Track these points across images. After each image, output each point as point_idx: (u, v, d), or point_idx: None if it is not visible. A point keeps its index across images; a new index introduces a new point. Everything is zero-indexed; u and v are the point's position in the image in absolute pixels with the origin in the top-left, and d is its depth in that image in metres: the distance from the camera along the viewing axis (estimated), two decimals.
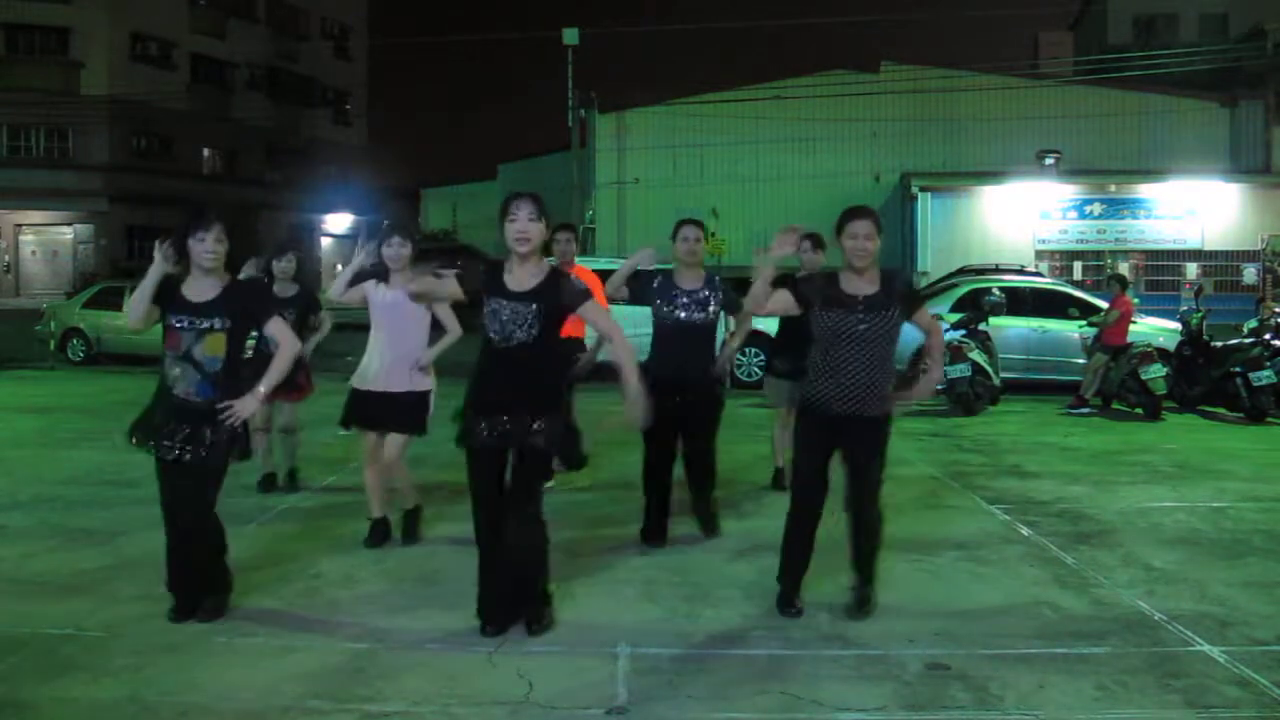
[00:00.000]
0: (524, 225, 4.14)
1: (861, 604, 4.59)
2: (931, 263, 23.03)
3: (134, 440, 4.45)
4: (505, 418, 4.16)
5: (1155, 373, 10.87)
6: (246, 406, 4.30)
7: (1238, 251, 23.24)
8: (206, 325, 4.24)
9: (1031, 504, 6.80)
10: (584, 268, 6.85)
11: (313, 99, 44.14)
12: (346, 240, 43.42)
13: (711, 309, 5.63)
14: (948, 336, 11.24)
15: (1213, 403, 11.34)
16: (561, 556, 5.42)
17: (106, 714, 3.58)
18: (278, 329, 4.41)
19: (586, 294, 4.22)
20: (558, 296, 4.16)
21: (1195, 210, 23.51)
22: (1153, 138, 25.95)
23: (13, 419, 10.28)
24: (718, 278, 5.77)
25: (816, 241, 6.68)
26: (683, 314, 5.60)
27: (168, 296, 4.30)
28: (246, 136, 40.19)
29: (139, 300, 4.33)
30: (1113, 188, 23.93)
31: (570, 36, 27.99)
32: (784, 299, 4.50)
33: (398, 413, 5.51)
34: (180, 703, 3.65)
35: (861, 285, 4.43)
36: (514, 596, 4.32)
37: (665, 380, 5.28)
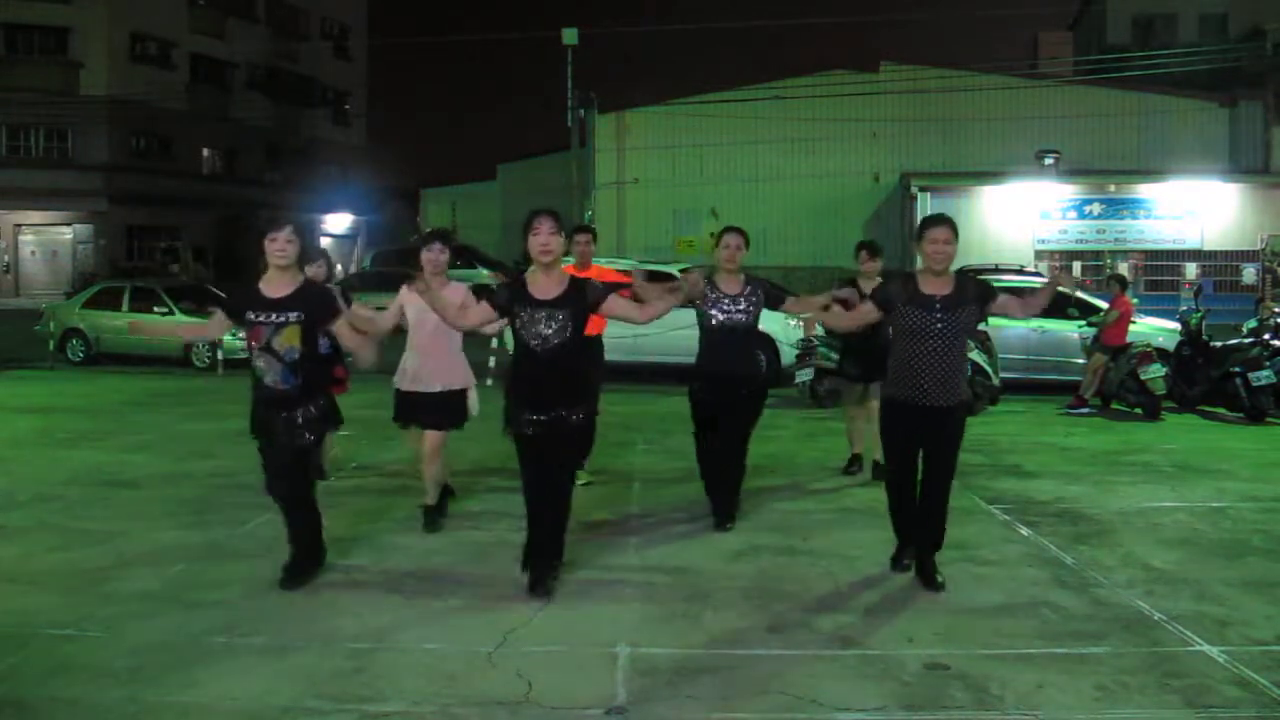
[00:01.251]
0: (546, 238, 4.63)
1: (932, 574, 5.00)
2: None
3: (255, 436, 4.90)
4: (551, 412, 4.68)
5: (1154, 373, 10.88)
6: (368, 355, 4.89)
7: (1237, 251, 23.24)
8: (283, 319, 4.64)
9: (1031, 504, 6.81)
10: (604, 267, 7.10)
11: (312, 99, 44.13)
12: (346, 240, 43.44)
13: (751, 309, 5.97)
14: None
15: (1212, 403, 11.34)
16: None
17: (106, 714, 3.58)
18: (344, 332, 4.87)
19: (607, 291, 4.77)
20: (583, 299, 4.70)
21: (1195, 210, 23.51)
22: (1152, 138, 25.94)
23: (13, 419, 10.28)
24: (758, 279, 6.09)
25: (873, 250, 7.32)
26: (723, 316, 5.95)
27: (246, 298, 4.74)
28: (246, 136, 40.18)
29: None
30: (1112, 188, 23.94)
31: (570, 36, 27.98)
32: (868, 311, 5.09)
33: (436, 410, 5.86)
34: (180, 703, 3.66)
35: (939, 286, 4.85)
36: (547, 549, 4.90)
37: (713, 376, 5.94)
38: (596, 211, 27.21)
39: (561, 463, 4.86)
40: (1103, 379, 11.40)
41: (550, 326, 4.62)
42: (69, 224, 35.37)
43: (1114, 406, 11.46)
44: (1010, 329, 12.60)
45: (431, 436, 5.88)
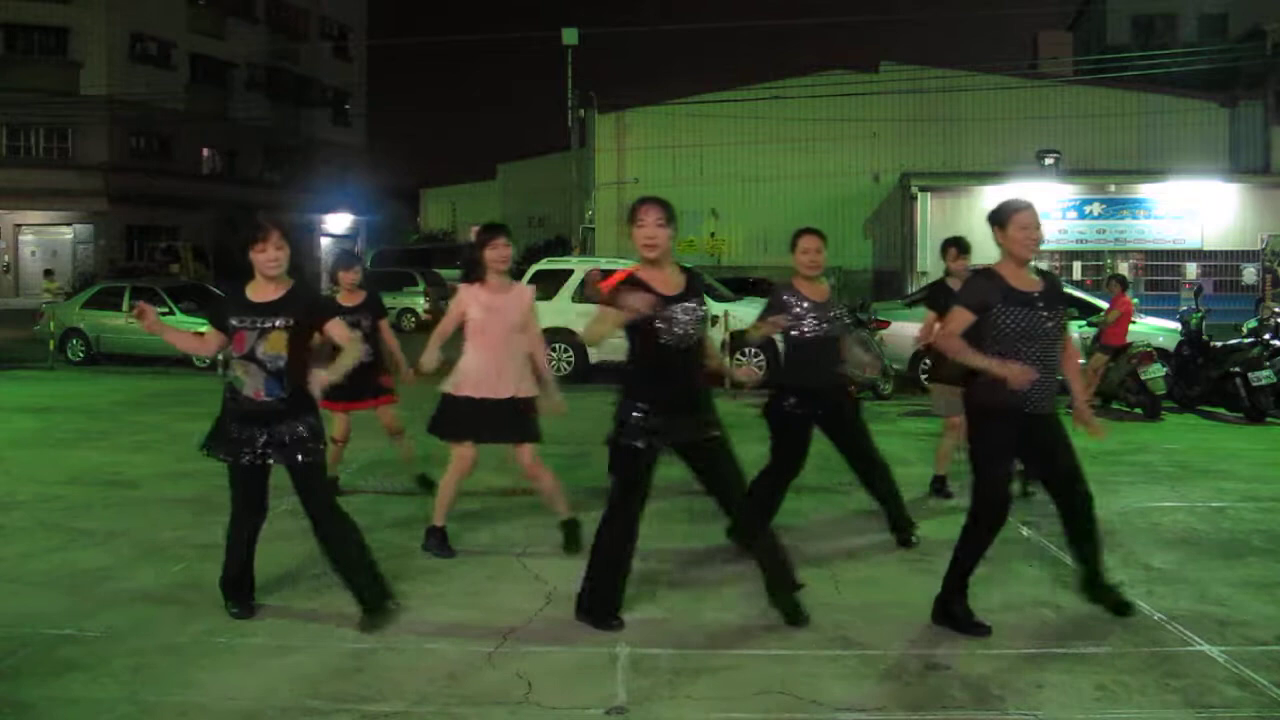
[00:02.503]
0: (651, 230, 4.25)
1: (1114, 595, 4.56)
2: (931, 263, 23.02)
3: (207, 451, 4.46)
4: (686, 416, 4.31)
5: (1155, 373, 10.87)
6: (318, 380, 4.40)
7: (1237, 251, 23.23)
8: (268, 324, 4.29)
9: (1031, 504, 6.80)
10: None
11: (312, 99, 44.13)
12: (346, 240, 43.42)
13: (836, 323, 5.56)
14: None
15: (1212, 403, 11.33)
16: (561, 557, 5.44)
17: (106, 714, 3.58)
18: (336, 330, 4.50)
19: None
20: (700, 293, 4.39)
21: (1195, 210, 23.49)
22: (1152, 138, 25.93)
23: (13, 419, 10.27)
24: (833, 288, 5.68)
25: (962, 247, 6.74)
26: (817, 325, 5.49)
27: (232, 305, 4.38)
28: (246, 136, 40.18)
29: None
30: (1112, 188, 23.92)
31: (570, 36, 28.00)
32: (963, 318, 4.37)
33: (506, 420, 5.37)
34: (180, 703, 3.66)
35: (1029, 281, 4.36)
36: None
37: (802, 391, 5.46)
38: (596, 212, 27.21)
39: (726, 473, 4.44)
40: (1103, 379, 11.40)
41: (690, 323, 4.25)
42: (69, 224, 35.39)
43: (1114, 406, 11.46)
44: None
45: (526, 449, 5.43)
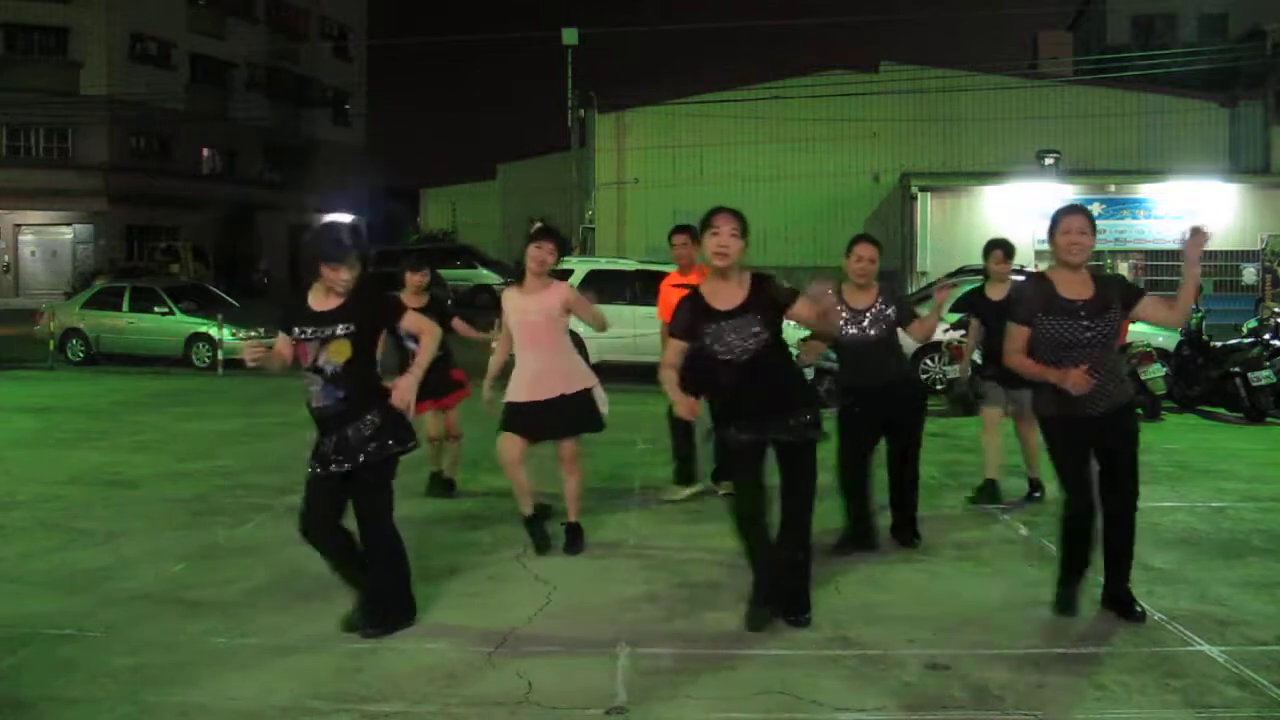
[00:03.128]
0: (725, 240, 4.31)
1: (1131, 604, 4.52)
2: (931, 263, 23.02)
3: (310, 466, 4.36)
4: (767, 421, 4.36)
5: (1155, 373, 10.87)
6: (404, 389, 4.28)
7: (1237, 251, 23.24)
8: (329, 332, 4.23)
9: (1032, 504, 6.80)
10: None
11: (312, 99, 44.15)
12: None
13: (885, 324, 5.57)
14: (947, 337, 11.25)
15: (1212, 403, 11.34)
16: (561, 557, 5.44)
17: (106, 714, 3.58)
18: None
19: (795, 293, 4.42)
20: (774, 301, 4.37)
21: (1195, 210, 23.48)
22: (1152, 138, 25.94)
23: (13, 419, 10.28)
24: (891, 291, 5.70)
25: (1008, 251, 6.71)
26: (854, 330, 5.55)
27: (294, 315, 4.31)
28: (246, 136, 40.18)
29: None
30: (1112, 188, 23.93)
31: (570, 36, 28.02)
32: (1021, 335, 4.40)
33: (562, 417, 5.41)
34: (180, 703, 3.66)
35: (1076, 288, 4.35)
36: (793, 581, 4.48)
37: (859, 391, 5.56)
38: (596, 211, 27.21)
39: (798, 476, 4.56)
40: None
41: (741, 336, 4.28)
42: (69, 224, 35.39)
43: None
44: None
45: (567, 444, 5.49)
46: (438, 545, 5.68)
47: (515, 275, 5.60)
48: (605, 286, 12.50)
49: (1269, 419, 10.65)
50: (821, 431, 4.50)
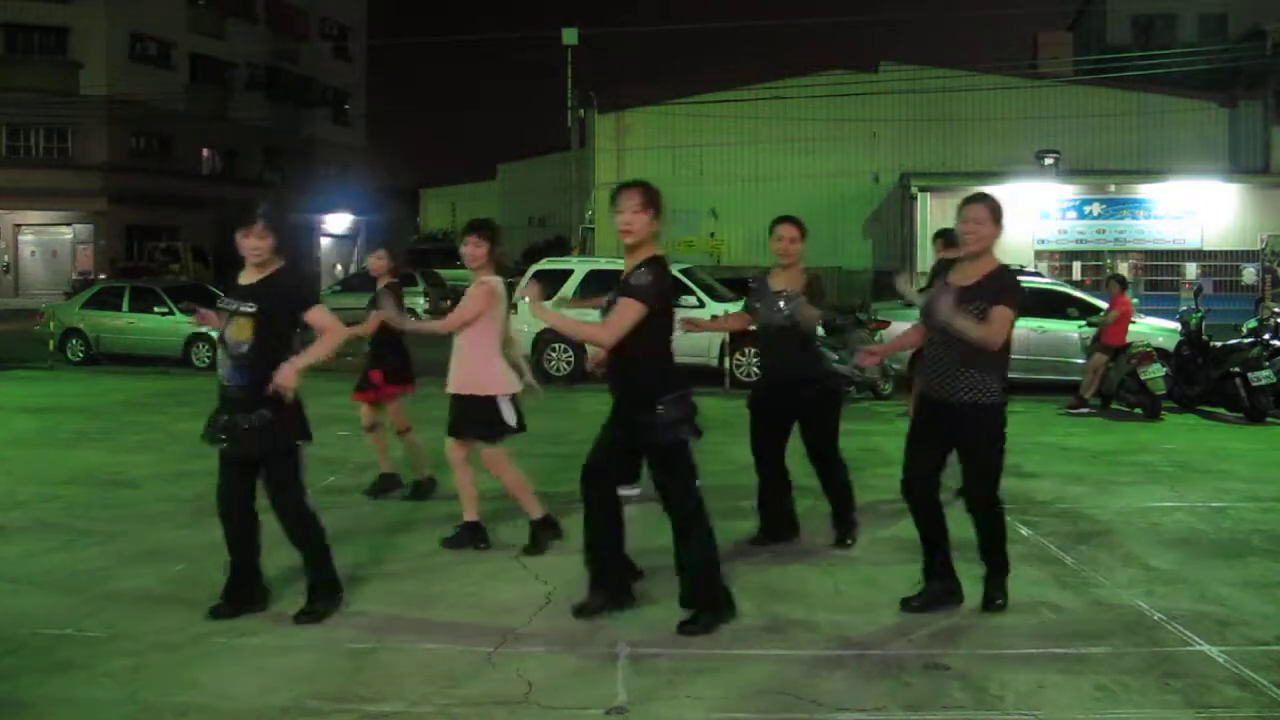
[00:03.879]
0: (628, 217, 4.29)
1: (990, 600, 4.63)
2: (931, 263, 23.00)
3: (203, 436, 4.52)
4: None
5: (1154, 373, 10.87)
6: (283, 377, 4.22)
7: (1237, 251, 23.22)
8: (235, 307, 4.26)
9: (1031, 504, 6.80)
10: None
11: (312, 99, 44.13)
12: (346, 240, 43.42)
13: (793, 312, 5.49)
14: None
15: (1212, 403, 11.33)
16: (561, 557, 5.44)
17: (106, 714, 3.58)
18: (318, 317, 4.39)
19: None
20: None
21: (1195, 210, 23.48)
22: (1152, 138, 25.91)
23: (13, 419, 10.27)
24: (816, 278, 5.62)
25: (948, 239, 6.82)
26: (768, 312, 5.55)
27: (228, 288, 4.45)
28: (245, 136, 40.17)
29: None
30: (1112, 188, 23.91)
31: (570, 36, 27.99)
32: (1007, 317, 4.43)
33: (462, 417, 5.46)
34: (180, 703, 3.66)
35: (966, 275, 4.54)
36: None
37: (766, 378, 5.77)
38: (596, 212, 27.21)
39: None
40: (1103, 379, 11.40)
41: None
42: (69, 224, 35.39)
43: (1114, 406, 11.46)
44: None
45: (447, 445, 5.55)
46: (437, 545, 5.68)
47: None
48: (605, 286, 12.48)
49: (1269, 419, 10.65)
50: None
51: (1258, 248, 22.91)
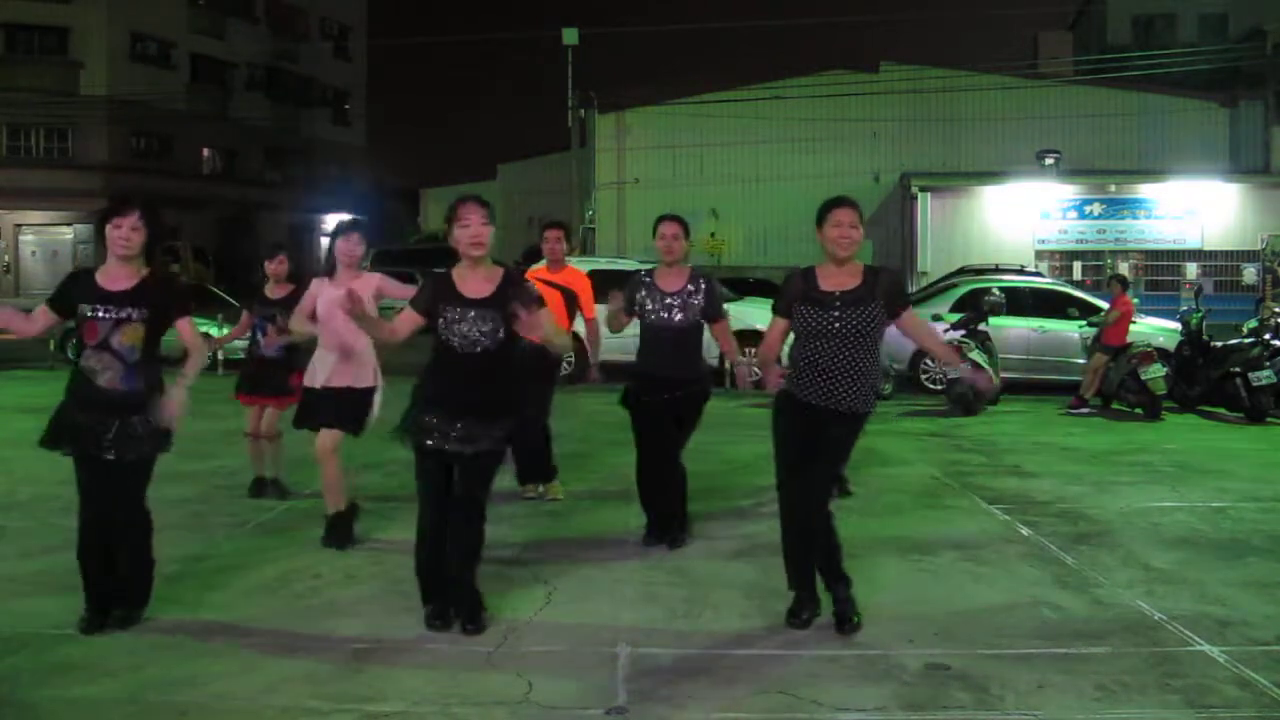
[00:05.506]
0: (477, 229, 4.22)
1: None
2: (931, 263, 23.01)
3: (47, 444, 4.35)
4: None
5: (1155, 373, 10.88)
6: (174, 399, 4.18)
7: (1237, 251, 23.23)
8: (124, 315, 4.14)
9: (1031, 504, 6.80)
10: (575, 268, 6.91)
11: (312, 99, 44.11)
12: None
13: (691, 313, 5.53)
14: (948, 337, 11.27)
15: (1212, 403, 11.34)
16: (561, 557, 5.44)
17: (106, 714, 3.58)
18: (186, 329, 4.33)
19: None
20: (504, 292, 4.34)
21: (1195, 210, 23.49)
22: (1152, 138, 25.92)
23: (13, 419, 10.27)
24: (704, 280, 5.63)
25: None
26: (660, 315, 5.54)
27: (80, 288, 4.21)
28: (246, 136, 40.16)
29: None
30: (1112, 188, 23.91)
31: (570, 36, 27.99)
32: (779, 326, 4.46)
33: (339, 409, 5.46)
34: (180, 703, 3.66)
35: (841, 280, 4.30)
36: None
37: (651, 379, 5.49)
38: (597, 212, 27.21)
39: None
40: (1103, 379, 11.40)
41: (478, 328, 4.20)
42: (69, 224, 35.37)
43: (1114, 406, 11.46)
44: (1010, 329, 12.61)
45: (331, 436, 5.50)
46: None
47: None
48: (605, 287, 12.47)
49: (1269, 419, 10.65)
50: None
51: (1258, 248, 22.92)
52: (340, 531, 5.59)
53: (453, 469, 4.29)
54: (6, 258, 35.27)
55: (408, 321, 4.30)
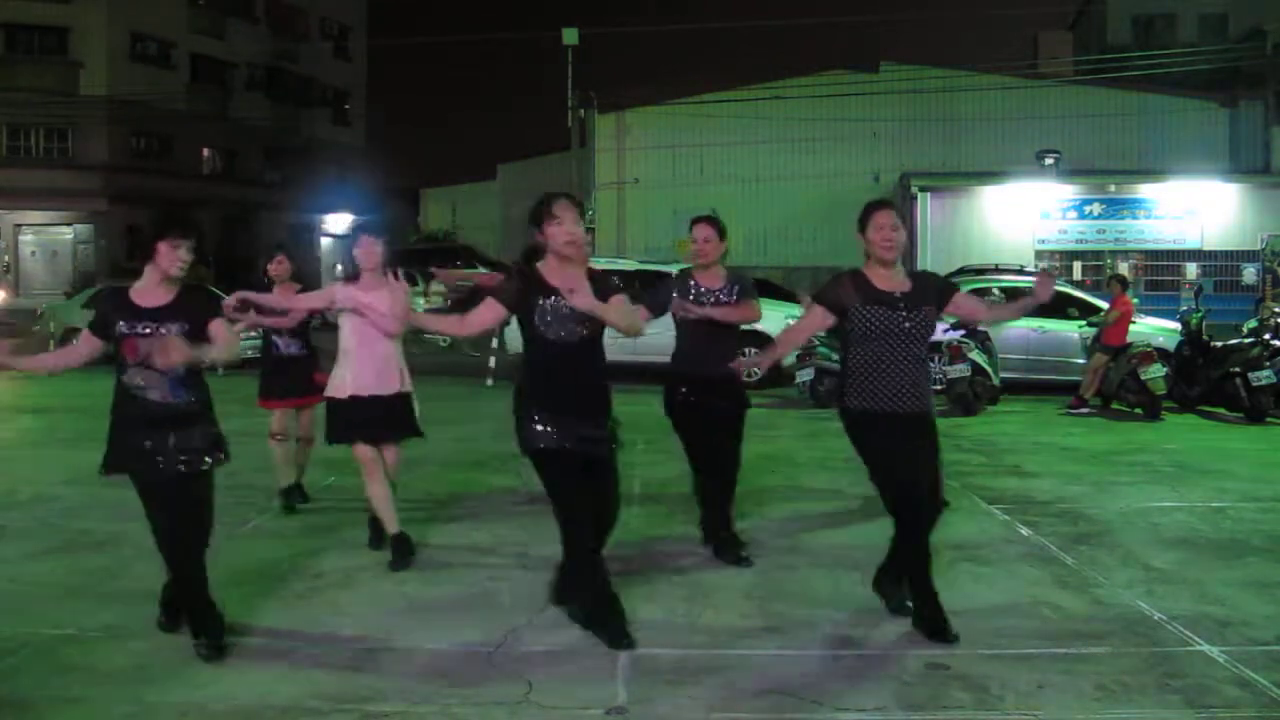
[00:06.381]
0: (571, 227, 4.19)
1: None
2: (931, 263, 22.95)
3: (109, 471, 4.25)
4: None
5: (1155, 373, 10.88)
6: (183, 347, 3.99)
7: (1237, 251, 23.22)
8: (166, 330, 4.06)
9: (1031, 504, 6.81)
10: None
11: (312, 99, 44.09)
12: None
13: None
14: (947, 336, 11.27)
15: (1212, 403, 11.34)
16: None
17: (106, 714, 3.58)
18: (220, 331, 4.27)
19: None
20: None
21: (1195, 210, 23.48)
22: (1153, 138, 25.92)
23: (13, 419, 10.28)
24: (743, 277, 5.58)
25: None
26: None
27: (119, 308, 4.13)
28: (246, 136, 40.15)
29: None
30: (1112, 188, 23.90)
31: (570, 36, 27.97)
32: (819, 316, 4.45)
33: (389, 416, 5.35)
34: (180, 703, 3.66)
35: (896, 282, 4.35)
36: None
37: (688, 377, 5.36)
38: (597, 212, 27.20)
39: None
40: (1103, 379, 11.40)
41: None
42: (69, 224, 35.37)
43: (1114, 406, 11.46)
44: (1010, 329, 12.60)
45: (387, 453, 5.41)
46: (436, 546, 5.68)
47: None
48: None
49: (1269, 419, 10.65)
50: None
51: (1258, 248, 22.90)
52: (407, 547, 5.34)
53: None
54: (6, 258, 35.25)
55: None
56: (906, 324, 4.26)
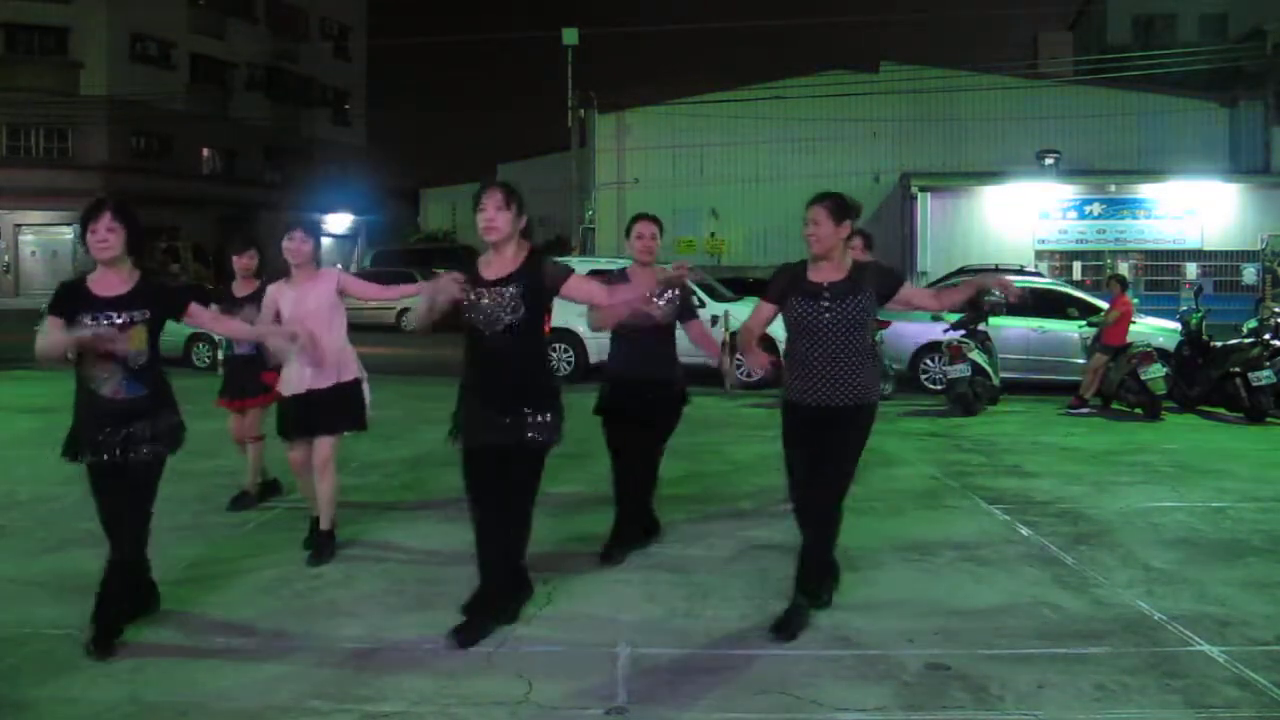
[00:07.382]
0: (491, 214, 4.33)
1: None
2: (931, 263, 23.02)
3: (69, 456, 4.26)
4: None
5: (1155, 373, 10.87)
6: (252, 329, 4.40)
7: (1237, 251, 23.23)
8: (126, 319, 4.06)
9: (1031, 504, 6.80)
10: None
11: (312, 99, 44.13)
12: (346, 240, 43.39)
13: (668, 312, 5.41)
14: (947, 336, 11.27)
15: (1212, 403, 11.34)
16: (562, 557, 5.44)
17: (106, 714, 3.58)
18: (200, 313, 4.29)
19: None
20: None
21: (1195, 210, 23.49)
22: (1152, 138, 25.92)
23: (13, 419, 10.27)
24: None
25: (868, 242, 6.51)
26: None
27: (74, 298, 4.11)
28: (246, 136, 40.17)
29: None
30: (1112, 188, 23.91)
31: (570, 36, 27.97)
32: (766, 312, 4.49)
33: (333, 411, 5.33)
34: (180, 703, 3.66)
35: (829, 273, 4.34)
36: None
37: (624, 380, 5.37)
38: (597, 212, 27.21)
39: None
40: (1103, 379, 11.40)
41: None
42: (69, 224, 35.32)
43: (1114, 406, 11.46)
44: (1010, 329, 12.60)
45: (320, 445, 5.32)
46: (436, 546, 5.68)
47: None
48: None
49: (1269, 419, 10.65)
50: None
51: (1258, 248, 22.91)
52: (330, 547, 5.40)
53: None
54: (6, 258, 35.27)
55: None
56: (826, 315, 4.26)
